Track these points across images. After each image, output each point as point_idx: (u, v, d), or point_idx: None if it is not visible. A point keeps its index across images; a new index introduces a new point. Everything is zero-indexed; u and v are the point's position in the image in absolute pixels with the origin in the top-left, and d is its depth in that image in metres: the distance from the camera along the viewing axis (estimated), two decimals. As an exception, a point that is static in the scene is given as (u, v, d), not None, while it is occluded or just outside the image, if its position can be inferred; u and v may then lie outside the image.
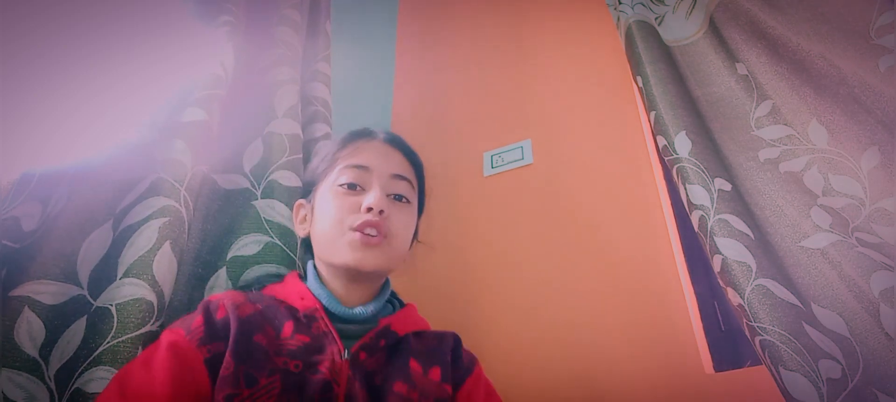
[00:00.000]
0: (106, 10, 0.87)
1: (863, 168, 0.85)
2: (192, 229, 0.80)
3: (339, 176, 0.72)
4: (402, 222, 0.72)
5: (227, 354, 0.57)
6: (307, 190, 0.79)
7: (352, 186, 0.71)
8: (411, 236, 0.77)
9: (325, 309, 0.67)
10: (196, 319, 0.60)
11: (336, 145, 0.77)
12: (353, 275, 0.69)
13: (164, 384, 0.53)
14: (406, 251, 0.75)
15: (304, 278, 0.73)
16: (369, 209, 0.67)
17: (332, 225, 0.69)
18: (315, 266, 0.73)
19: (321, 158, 0.78)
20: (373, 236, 0.67)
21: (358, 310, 0.68)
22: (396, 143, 0.78)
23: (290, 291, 0.69)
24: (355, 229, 0.67)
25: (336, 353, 0.61)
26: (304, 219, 0.77)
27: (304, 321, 0.64)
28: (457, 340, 0.75)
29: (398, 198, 0.73)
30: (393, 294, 0.77)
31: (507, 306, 1.11)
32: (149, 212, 0.71)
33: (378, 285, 0.74)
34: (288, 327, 0.63)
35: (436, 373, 0.68)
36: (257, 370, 0.56)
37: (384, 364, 0.65)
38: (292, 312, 0.65)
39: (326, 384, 0.58)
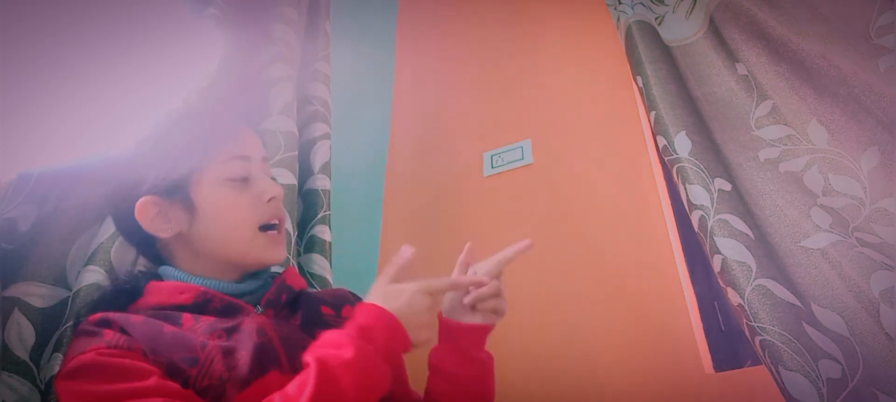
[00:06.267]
0: (106, 10, 0.87)
1: (863, 168, 0.85)
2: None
3: (225, 169, 0.64)
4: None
5: (150, 356, 0.51)
6: (164, 188, 0.63)
7: (244, 180, 0.65)
8: None
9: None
10: (106, 332, 0.53)
11: (201, 138, 0.67)
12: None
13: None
14: None
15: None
16: (271, 199, 0.66)
17: (237, 225, 0.63)
18: (174, 268, 0.65)
19: (181, 153, 0.65)
20: (277, 232, 0.67)
21: (244, 285, 0.65)
22: (248, 123, 0.75)
23: (161, 294, 0.61)
24: (264, 227, 0.65)
25: (249, 312, 0.60)
26: (168, 218, 0.63)
27: (197, 308, 0.59)
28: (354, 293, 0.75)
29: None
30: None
31: (507, 305, 1.10)
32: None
33: None
34: (186, 320, 0.57)
35: (349, 312, 0.66)
36: (189, 351, 0.53)
37: (295, 316, 0.64)
38: (179, 309, 0.58)
39: (260, 330, 0.57)
